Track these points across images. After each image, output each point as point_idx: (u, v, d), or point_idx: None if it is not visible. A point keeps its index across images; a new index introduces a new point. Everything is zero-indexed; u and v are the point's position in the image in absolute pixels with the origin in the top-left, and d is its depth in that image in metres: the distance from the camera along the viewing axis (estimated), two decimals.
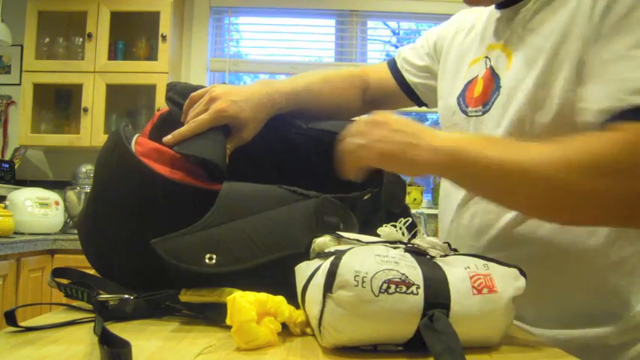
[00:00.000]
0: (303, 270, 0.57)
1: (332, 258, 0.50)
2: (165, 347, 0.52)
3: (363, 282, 0.48)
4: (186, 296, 0.60)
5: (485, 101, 0.75)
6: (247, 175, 0.76)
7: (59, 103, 2.85)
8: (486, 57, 0.78)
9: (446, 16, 0.98)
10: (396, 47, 3.25)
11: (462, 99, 0.80)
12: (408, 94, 0.98)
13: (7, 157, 2.85)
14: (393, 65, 0.99)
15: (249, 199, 0.64)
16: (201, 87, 0.80)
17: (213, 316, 0.59)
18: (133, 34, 2.77)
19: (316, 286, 0.51)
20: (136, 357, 0.46)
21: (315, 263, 0.54)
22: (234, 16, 3.13)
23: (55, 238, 2.27)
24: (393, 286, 0.48)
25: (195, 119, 0.72)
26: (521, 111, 0.68)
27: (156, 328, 0.59)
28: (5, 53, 2.89)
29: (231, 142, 0.75)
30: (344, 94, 0.93)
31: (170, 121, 0.78)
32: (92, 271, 0.75)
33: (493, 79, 0.75)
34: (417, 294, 0.49)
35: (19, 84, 2.76)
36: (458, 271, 0.52)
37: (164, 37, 2.63)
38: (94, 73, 2.63)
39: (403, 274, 0.49)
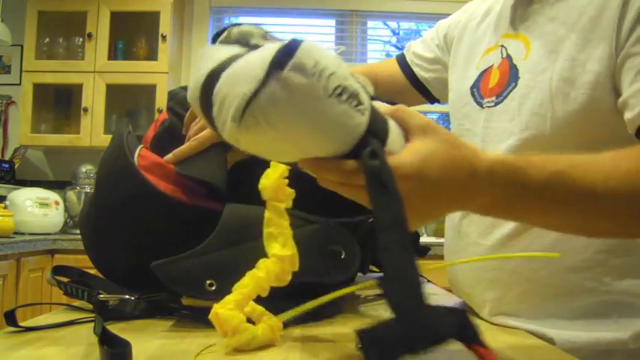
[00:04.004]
0: (212, 53, 0.44)
1: (289, 40, 0.41)
2: (165, 347, 0.52)
3: (320, 75, 0.41)
4: (189, 300, 0.60)
5: (500, 92, 0.73)
6: (249, 191, 0.76)
7: (59, 103, 2.85)
8: (502, 46, 0.76)
9: (446, 17, 0.97)
10: (396, 47, 3.25)
11: (477, 89, 0.78)
12: (419, 89, 0.95)
13: (7, 157, 2.84)
14: (402, 60, 0.97)
15: (252, 224, 0.63)
16: None
17: None
18: (133, 34, 2.77)
19: (254, 63, 0.40)
20: (136, 357, 0.46)
21: (234, 49, 0.43)
22: (234, 16, 3.13)
23: (55, 238, 2.27)
24: (345, 95, 0.42)
25: (195, 137, 0.72)
26: (542, 104, 0.66)
27: (156, 328, 0.59)
28: (5, 53, 2.89)
29: (232, 156, 0.74)
30: None
31: (172, 131, 0.77)
32: (93, 271, 0.75)
33: (510, 69, 0.73)
34: (364, 115, 0.44)
35: (19, 84, 2.76)
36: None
37: (164, 37, 2.63)
38: (94, 73, 2.63)
39: (356, 91, 0.43)
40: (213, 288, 0.56)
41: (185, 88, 0.86)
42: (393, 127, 0.47)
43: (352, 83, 0.43)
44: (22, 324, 0.57)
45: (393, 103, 0.54)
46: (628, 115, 0.60)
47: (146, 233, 0.68)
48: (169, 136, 0.77)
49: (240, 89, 0.40)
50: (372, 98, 0.49)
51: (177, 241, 0.61)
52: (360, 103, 0.44)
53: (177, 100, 0.81)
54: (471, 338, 0.37)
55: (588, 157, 0.53)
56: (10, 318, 0.56)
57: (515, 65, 0.72)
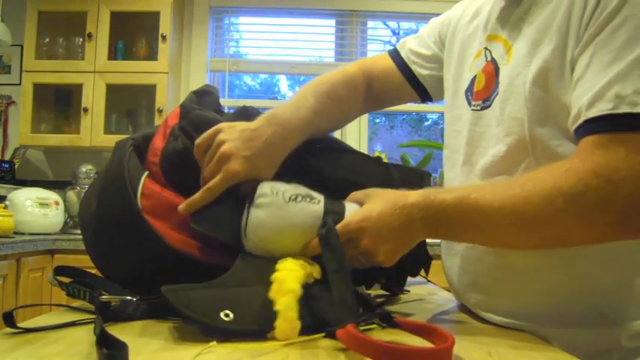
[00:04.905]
0: None
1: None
2: (166, 348, 0.52)
3: (277, 194, 0.66)
4: None
5: (487, 96, 0.73)
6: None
7: (59, 103, 2.85)
8: (486, 48, 0.76)
9: None
10: None
11: (470, 93, 0.78)
12: (414, 87, 0.93)
13: (7, 157, 2.84)
14: (397, 57, 0.95)
15: (264, 270, 0.63)
16: (215, 119, 0.76)
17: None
18: (133, 34, 2.77)
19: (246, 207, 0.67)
20: (135, 358, 0.46)
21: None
22: (234, 16, 3.13)
23: (55, 238, 2.27)
24: (300, 197, 0.66)
25: (208, 187, 0.68)
26: (519, 108, 0.66)
27: (156, 329, 0.59)
28: (5, 53, 2.89)
29: (244, 188, 0.71)
30: (348, 104, 0.90)
31: (184, 157, 0.73)
32: (94, 271, 0.75)
33: (495, 73, 0.73)
34: (318, 204, 0.67)
35: (19, 84, 2.76)
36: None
37: (164, 37, 2.63)
38: (94, 73, 2.63)
39: (309, 193, 0.68)
40: (230, 318, 0.55)
41: (198, 95, 0.82)
42: (349, 205, 0.69)
43: (302, 191, 0.68)
44: (21, 325, 0.57)
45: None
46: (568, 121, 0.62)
47: (148, 270, 0.68)
48: (183, 162, 0.73)
49: (242, 225, 0.66)
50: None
51: (180, 278, 0.59)
52: (312, 198, 0.67)
53: (190, 120, 0.76)
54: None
55: (493, 183, 0.67)
56: (9, 319, 0.55)
57: (499, 69, 0.72)
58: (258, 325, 0.55)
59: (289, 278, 0.58)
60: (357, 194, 0.70)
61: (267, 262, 0.63)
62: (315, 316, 0.58)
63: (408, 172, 0.84)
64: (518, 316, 0.68)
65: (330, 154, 0.81)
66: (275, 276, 0.58)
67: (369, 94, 0.94)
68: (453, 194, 0.63)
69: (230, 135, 0.71)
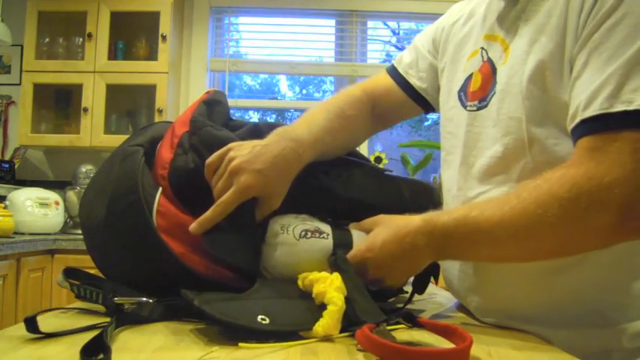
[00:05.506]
0: None
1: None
2: (167, 349, 0.52)
3: (287, 231, 0.69)
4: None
5: (483, 96, 0.73)
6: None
7: (59, 103, 2.85)
8: (482, 48, 0.76)
9: None
10: (396, 47, 3.25)
11: (464, 93, 0.78)
12: (416, 100, 0.93)
13: (7, 157, 2.84)
14: (395, 74, 0.94)
15: (285, 288, 0.65)
16: (227, 138, 0.74)
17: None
18: (133, 34, 2.77)
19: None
20: (136, 356, 0.46)
21: None
22: (234, 16, 3.13)
23: (55, 238, 2.27)
24: (309, 233, 0.69)
25: (220, 202, 0.67)
26: (516, 107, 0.66)
27: (159, 329, 0.59)
28: (5, 53, 2.89)
29: (261, 211, 0.70)
30: (357, 124, 0.89)
31: (196, 176, 0.71)
32: (93, 271, 0.74)
33: (492, 73, 0.72)
34: (328, 239, 0.69)
35: (19, 84, 2.76)
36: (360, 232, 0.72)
37: (164, 37, 2.63)
38: (94, 73, 2.63)
39: (317, 227, 0.70)
40: (267, 321, 0.56)
41: (208, 105, 0.81)
42: (356, 234, 0.72)
43: (312, 225, 0.70)
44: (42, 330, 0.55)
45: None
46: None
47: (160, 282, 0.67)
48: (193, 181, 0.71)
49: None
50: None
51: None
52: (321, 233, 0.70)
53: (202, 137, 0.74)
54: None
55: (493, 198, 0.66)
56: (31, 324, 0.53)
57: (496, 69, 0.72)
58: (293, 327, 0.57)
59: (338, 278, 0.61)
60: (365, 223, 0.73)
61: (287, 283, 0.66)
62: (346, 318, 0.59)
63: (417, 188, 0.84)
64: (518, 319, 0.68)
65: (342, 173, 0.80)
66: (320, 275, 0.62)
67: (373, 115, 0.93)
68: (453, 215, 0.63)
69: (240, 151, 0.70)
